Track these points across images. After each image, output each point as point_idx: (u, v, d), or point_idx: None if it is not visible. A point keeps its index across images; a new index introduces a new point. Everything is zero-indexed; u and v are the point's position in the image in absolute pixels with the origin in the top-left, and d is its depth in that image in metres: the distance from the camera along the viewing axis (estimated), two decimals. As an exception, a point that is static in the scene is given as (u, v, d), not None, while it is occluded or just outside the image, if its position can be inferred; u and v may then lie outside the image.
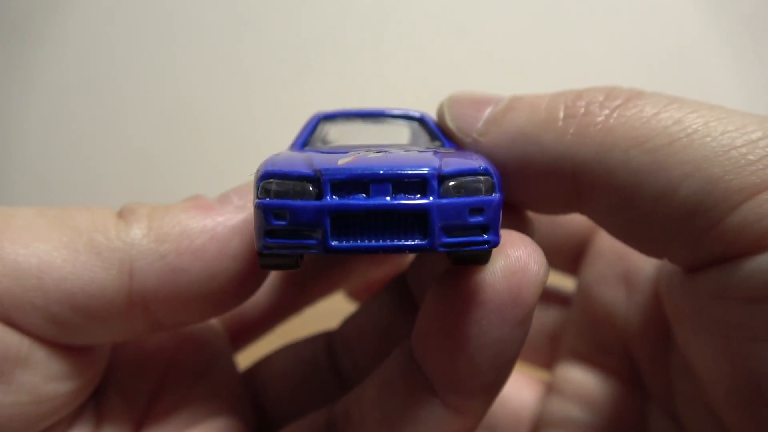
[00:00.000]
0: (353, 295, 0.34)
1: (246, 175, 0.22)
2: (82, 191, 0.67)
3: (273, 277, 0.30)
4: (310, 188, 0.17)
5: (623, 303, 0.29)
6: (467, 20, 0.66)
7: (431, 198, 0.17)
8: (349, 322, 0.29)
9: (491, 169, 0.18)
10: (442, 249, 0.17)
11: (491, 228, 0.18)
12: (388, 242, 0.17)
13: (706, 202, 0.19)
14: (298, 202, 0.17)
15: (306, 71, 0.66)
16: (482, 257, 0.19)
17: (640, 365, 0.28)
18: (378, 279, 0.31)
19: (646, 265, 0.28)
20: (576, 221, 0.30)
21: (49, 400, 0.22)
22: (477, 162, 0.19)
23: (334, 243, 0.17)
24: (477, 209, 0.17)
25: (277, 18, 0.65)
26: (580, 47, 0.66)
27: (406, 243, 0.17)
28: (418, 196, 0.17)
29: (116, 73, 0.66)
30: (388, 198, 0.17)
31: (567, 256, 0.31)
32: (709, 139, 0.19)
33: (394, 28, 0.66)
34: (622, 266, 0.29)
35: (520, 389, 0.33)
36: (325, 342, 0.29)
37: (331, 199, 0.17)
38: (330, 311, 0.33)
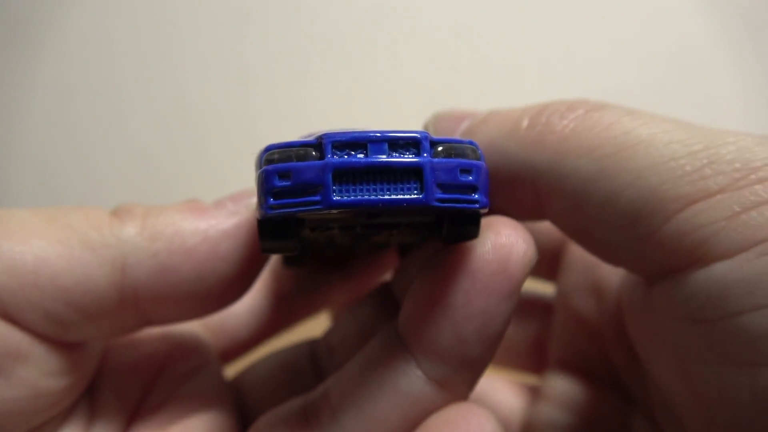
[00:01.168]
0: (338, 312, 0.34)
1: (246, 176, 0.22)
2: (82, 191, 0.68)
3: (259, 300, 0.31)
4: (313, 153, 0.18)
5: (595, 312, 0.29)
6: (468, 23, 0.66)
7: (425, 155, 0.18)
8: (333, 330, 0.29)
9: (477, 144, 0.20)
10: (436, 203, 0.18)
11: (480, 189, 0.19)
12: (386, 196, 0.18)
13: (644, 211, 0.19)
14: (301, 163, 0.18)
15: (307, 72, 0.66)
16: (473, 228, 0.20)
17: (620, 372, 0.29)
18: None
19: (613, 275, 0.28)
20: (552, 230, 0.31)
21: (46, 395, 0.22)
22: (463, 138, 0.20)
23: (335, 198, 0.18)
24: (466, 170, 0.19)
25: (278, 19, 0.66)
26: (580, 49, 0.66)
27: (403, 197, 0.18)
28: (412, 156, 0.18)
29: (116, 73, 0.66)
30: (384, 156, 0.18)
31: (545, 264, 0.32)
32: (652, 149, 0.20)
33: (395, 30, 0.66)
34: (592, 276, 0.29)
35: (510, 396, 0.33)
36: (309, 349, 0.29)
37: (333, 158, 0.18)
38: (318, 321, 0.33)
